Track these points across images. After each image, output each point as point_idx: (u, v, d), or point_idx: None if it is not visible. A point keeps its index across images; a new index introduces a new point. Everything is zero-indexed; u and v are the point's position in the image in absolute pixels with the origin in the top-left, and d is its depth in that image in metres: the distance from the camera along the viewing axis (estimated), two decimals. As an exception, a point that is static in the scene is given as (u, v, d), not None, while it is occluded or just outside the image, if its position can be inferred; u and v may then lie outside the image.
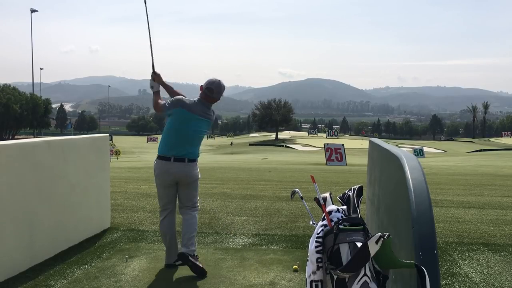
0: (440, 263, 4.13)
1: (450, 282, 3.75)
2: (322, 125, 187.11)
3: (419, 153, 36.01)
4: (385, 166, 3.13)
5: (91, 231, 5.09)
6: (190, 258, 3.85)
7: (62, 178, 4.49)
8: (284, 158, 35.85)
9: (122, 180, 10.55)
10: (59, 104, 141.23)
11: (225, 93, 4.24)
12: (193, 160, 4.02)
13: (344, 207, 2.42)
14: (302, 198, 2.85)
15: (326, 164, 21.82)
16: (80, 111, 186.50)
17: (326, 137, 78.99)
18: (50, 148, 4.36)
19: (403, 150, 2.81)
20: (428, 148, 59.25)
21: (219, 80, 4.04)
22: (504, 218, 6.33)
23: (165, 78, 4.32)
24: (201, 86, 4.07)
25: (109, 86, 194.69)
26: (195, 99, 4.07)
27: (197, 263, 3.88)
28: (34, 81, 69.77)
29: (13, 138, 62.84)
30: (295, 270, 4.01)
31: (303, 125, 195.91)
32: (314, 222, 2.58)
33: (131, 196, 7.78)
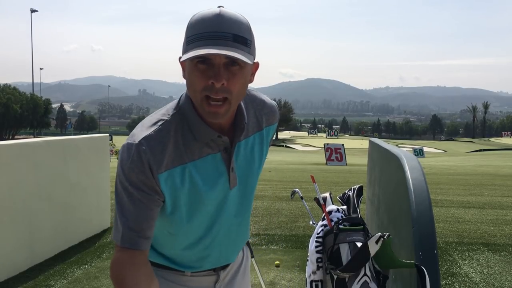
0: (440, 263, 4.13)
1: (450, 282, 3.75)
2: (322, 125, 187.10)
3: (419, 153, 36.00)
4: (385, 166, 3.13)
5: (91, 231, 5.09)
6: None
7: (62, 178, 4.49)
8: (284, 158, 35.85)
9: (122, 180, 10.56)
10: (59, 104, 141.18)
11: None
12: None
13: (344, 207, 2.42)
14: (302, 198, 2.84)
15: (326, 164, 21.82)
16: (80, 111, 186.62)
17: (326, 137, 79.03)
18: (50, 148, 4.36)
19: (403, 150, 2.81)
20: (428, 148, 59.25)
21: None
22: (504, 218, 6.33)
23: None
24: None
25: (109, 86, 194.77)
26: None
27: None
28: (34, 81, 69.78)
29: (13, 138, 62.83)
30: (277, 266, 4.06)
31: (303, 125, 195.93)
32: (314, 222, 2.58)
33: (131, 196, 7.79)
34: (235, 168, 1.26)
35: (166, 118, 1.18)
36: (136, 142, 1.13)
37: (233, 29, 1.06)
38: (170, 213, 1.21)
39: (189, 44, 1.07)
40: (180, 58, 1.13)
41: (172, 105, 1.22)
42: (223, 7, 1.10)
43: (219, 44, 1.04)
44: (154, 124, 1.16)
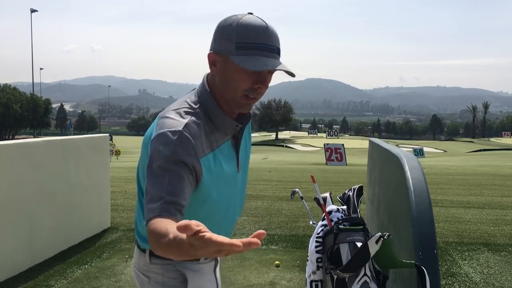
0: (440, 263, 4.13)
1: (450, 282, 3.75)
2: (322, 125, 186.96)
3: (419, 153, 35.98)
4: (385, 166, 3.13)
5: (91, 231, 5.09)
6: None
7: (62, 178, 4.49)
8: (284, 158, 35.85)
9: (122, 180, 10.55)
10: (59, 104, 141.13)
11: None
12: None
13: (344, 207, 2.42)
14: (302, 198, 2.84)
15: (326, 164, 21.81)
16: (80, 111, 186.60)
17: (326, 137, 78.94)
18: (50, 148, 4.36)
19: (403, 150, 2.81)
20: (428, 148, 59.20)
21: None
22: (504, 218, 6.33)
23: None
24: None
25: (109, 86, 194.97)
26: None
27: None
28: (34, 81, 69.82)
29: (13, 138, 62.81)
30: (277, 266, 4.07)
31: (303, 125, 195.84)
32: (314, 222, 2.58)
33: (131, 196, 7.78)
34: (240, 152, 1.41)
35: (194, 110, 1.28)
36: (180, 129, 1.19)
37: (276, 43, 1.23)
38: (205, 197, 1.29)
39: (239, 49, 1.19)
40: (220, 52, 1.22)
41: (191, 99, 1.32)
42: (252, 13, 1.23)
43: (269, 56, 1.20)
44: (187, 114, 1.26)
